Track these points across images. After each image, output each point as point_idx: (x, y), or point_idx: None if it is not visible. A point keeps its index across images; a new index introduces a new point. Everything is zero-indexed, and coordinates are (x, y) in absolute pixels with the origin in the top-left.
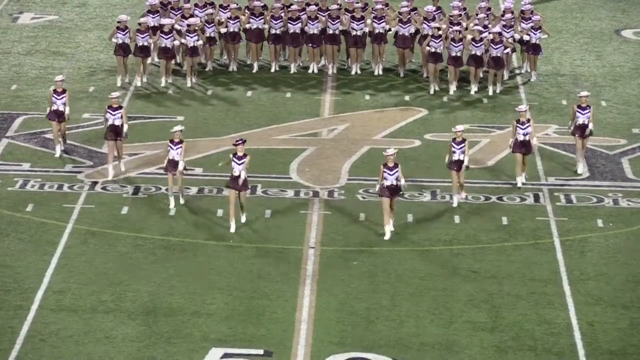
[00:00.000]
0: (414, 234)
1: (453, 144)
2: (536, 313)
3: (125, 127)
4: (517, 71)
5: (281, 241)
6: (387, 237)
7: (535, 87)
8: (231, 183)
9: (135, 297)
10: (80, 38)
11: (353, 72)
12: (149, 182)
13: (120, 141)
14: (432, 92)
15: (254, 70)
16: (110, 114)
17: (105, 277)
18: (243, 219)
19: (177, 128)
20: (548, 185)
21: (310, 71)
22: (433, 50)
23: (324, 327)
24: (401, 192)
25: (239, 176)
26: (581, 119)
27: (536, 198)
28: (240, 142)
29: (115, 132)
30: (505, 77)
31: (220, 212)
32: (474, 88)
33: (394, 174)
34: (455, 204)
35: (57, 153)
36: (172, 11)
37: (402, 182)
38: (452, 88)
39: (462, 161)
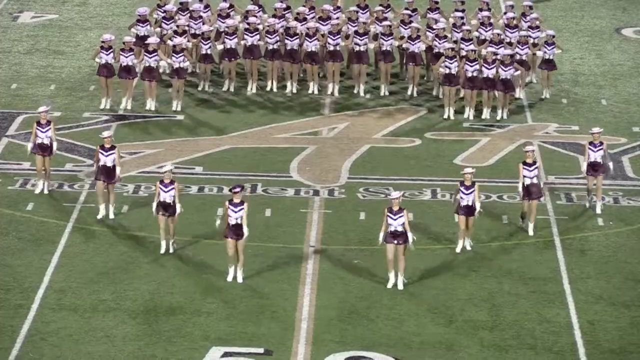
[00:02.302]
0: (414, 233)
1: (461, 188)
2: (536, 312)
3: (118, 170)
4: (527, 79)
5: (281, 240)
6: (389, 285)
7: (535, 86)
8: (228, 233)
9: (135, 296)
10: (80, 37)
11: (355, 91)
12: (149, 181)
13: (112, 185)
14: (446, 116)
15: (249, 92)
16: (103, 154)
17: (105, 276)
18: (239, 277)
19: (167, 168)
20: (548, 184)
21: (309, 91)
22: (448, 71)
23: (324, 326)
24: (407, 244)
25: (235, 225)
26: (593, 157)
27: None
28: (237, 189)
29: (107, 175)
30: (520, 95)
31: (220, 211)
32: (485, 113)
33: (397, 218)
34: (458, 250)
35: (38, 189)
36: (165, 21)
37: (410, 239)
38: (470, 113)
39: (473, 207)
